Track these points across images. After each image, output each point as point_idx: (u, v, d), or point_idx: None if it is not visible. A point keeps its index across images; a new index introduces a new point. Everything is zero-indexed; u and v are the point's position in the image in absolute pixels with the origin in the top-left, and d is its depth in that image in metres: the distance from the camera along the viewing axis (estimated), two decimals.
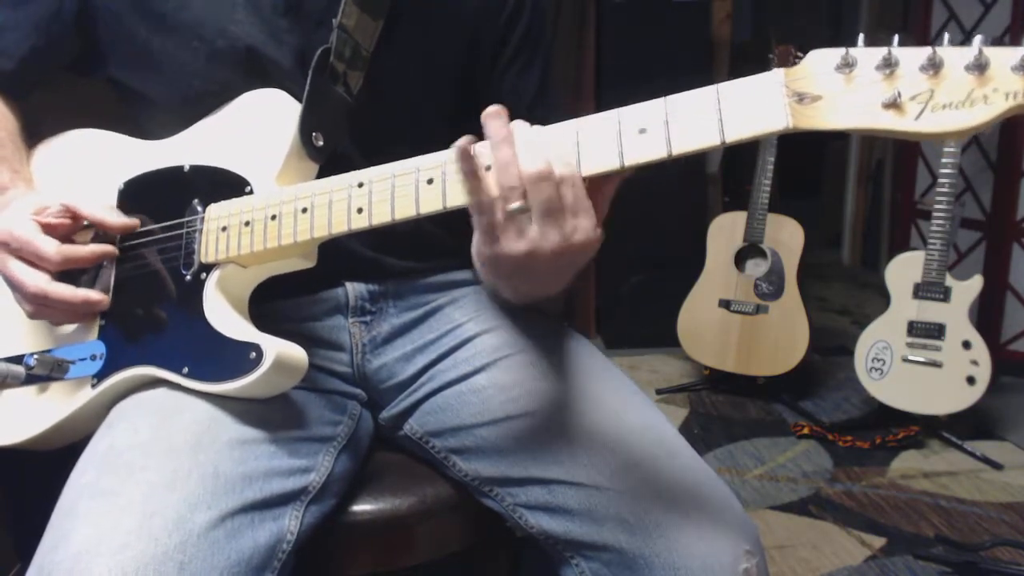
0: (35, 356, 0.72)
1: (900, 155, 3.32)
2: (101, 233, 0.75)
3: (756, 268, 2.34)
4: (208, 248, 0.71)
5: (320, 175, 0.71)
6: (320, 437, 0.74)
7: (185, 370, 0.68)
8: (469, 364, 0.79)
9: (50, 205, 0.73)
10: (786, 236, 2.30)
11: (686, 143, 0.54)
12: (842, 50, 0.50)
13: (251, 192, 0.71)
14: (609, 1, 2.71)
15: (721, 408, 2.38)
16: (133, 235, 0.75)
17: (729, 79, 0.54)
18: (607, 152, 0.57)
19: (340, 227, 0.65)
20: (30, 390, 0.77)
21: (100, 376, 0.72)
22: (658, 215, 2.66)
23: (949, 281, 2.00)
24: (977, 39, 0.47)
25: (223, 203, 0.72)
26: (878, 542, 1.64)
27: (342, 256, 0.78)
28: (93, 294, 0.72)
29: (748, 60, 2.41)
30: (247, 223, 0.69)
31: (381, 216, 0.64)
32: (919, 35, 2.78)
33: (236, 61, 0.76)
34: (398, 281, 0.85)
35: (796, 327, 2.26)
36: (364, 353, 0.84)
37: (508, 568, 0.91)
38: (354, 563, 0.76)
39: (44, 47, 0.81)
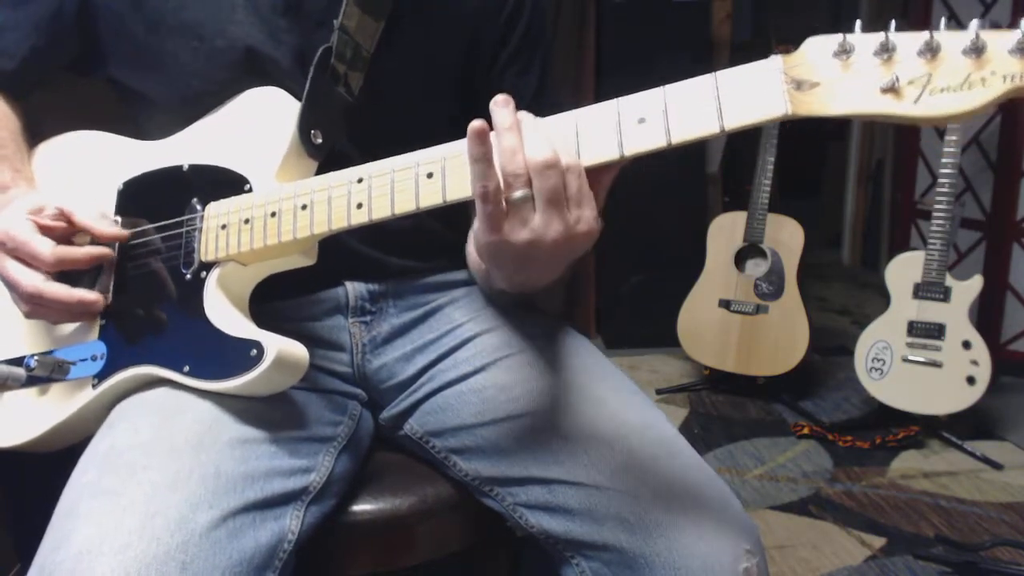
0: (36, 357, 0.72)
1: (900, 155, 3.32)
2: None
3: (756, 268, 2.34)
4: (208, 246, 0.71)
5: (319, 174, 0.71)
6: (320, 437, 0.74)
7: (186, 369, 0.68)
8: (469, 364, 0.79)
9: (49, 205, 0.73)
10: (786, 236, 2.30)
11: (685, 131, 0.54)
12: (840, 36, 0.50)
13: (250, 190, 0.71)
14: (609, 1, 2.71)
15: (721, 408, 2.38)
16: (133, 235, 0.75)
17: None
18: (607, 142, 0.56)
19: (340, 223, 0.65)
20: (31, 392, 0.77)
21: (101, 376, 0.72)
22: (658, 215, 2.66)
23: (949, 281, 2.00)
24: (974, 23, 0.47)
25: (222, 201, 0.72)
26: (878, 542, 1.64)
27: (342, 255, 0.78)
28: (88, 294, 0.72)
29: (748, 60, 2.39)
30: (247, 221, 0.69)
31: (381, 211, 0.63)
32: None
33: (235, 61, 0.76)
34: (398, 281, 0.85)
35: (796, 327, 2.26)
36: (364, 353, 0.84)
37: (508, 568, 0.91)
38: (354, 563, 0.76)
39: (44, 47, 0.82)
